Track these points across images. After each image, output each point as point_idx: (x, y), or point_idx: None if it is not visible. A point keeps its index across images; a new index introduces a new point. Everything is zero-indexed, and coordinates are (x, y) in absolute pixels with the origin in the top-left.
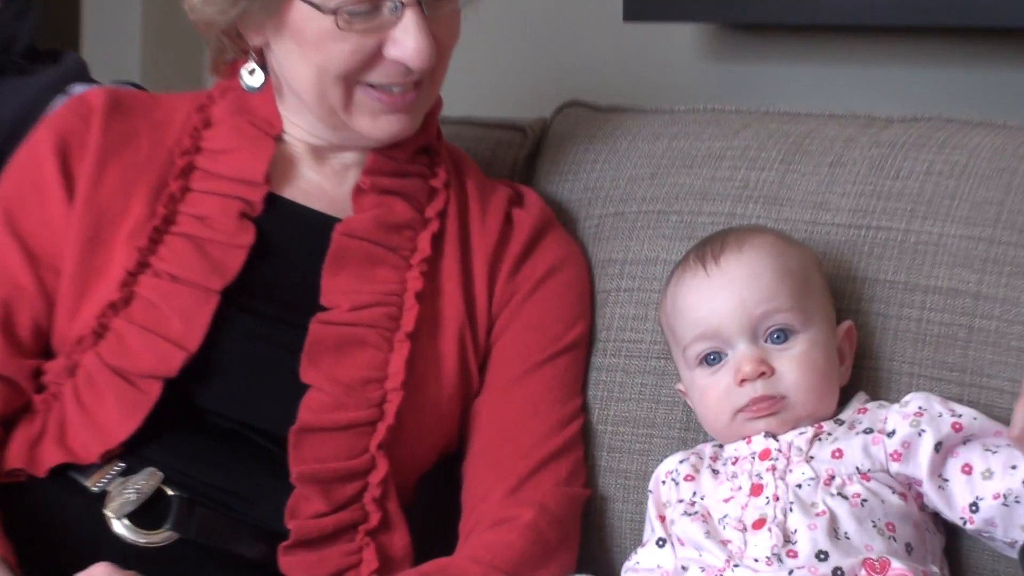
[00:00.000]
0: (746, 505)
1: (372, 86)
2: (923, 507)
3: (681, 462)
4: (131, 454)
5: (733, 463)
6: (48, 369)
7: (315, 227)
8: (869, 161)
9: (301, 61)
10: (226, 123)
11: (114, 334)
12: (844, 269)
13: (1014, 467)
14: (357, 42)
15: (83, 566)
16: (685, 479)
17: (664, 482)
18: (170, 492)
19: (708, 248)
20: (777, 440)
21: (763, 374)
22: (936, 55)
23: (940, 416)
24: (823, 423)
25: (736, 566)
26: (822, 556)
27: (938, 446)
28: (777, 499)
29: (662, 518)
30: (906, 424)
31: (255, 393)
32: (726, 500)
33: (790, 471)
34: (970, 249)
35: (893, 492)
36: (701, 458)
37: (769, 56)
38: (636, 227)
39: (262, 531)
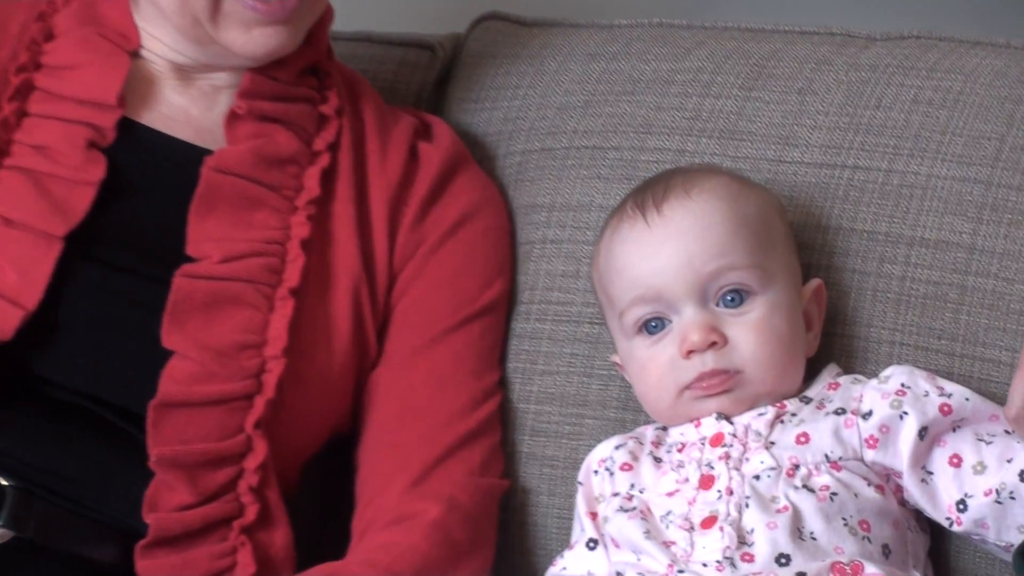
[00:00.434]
0: (694, 500)
1: None
2: (904, 502)
3: (617, 448)
4: None
5: (679, 450)
6: None
7: (180, 160)
8: (846, 88)
9: None
10: (72, 35)
11: None
12: (813, 217)
13: (1010, 460)
14: None
15: None
16: (622, 468)
17: (596, 472)
18: (2, 482)
19: (649, 193)
20: (732, 423)
21: (714, 344)
22: None
23: (926, 395)
24: (786, 402)
25: (681, 572)
26: (783, 560)
27: (922, 432)
28: (731, 493)
29: (593, 515)
30: (885, 404)
31: (106, 361)
32: (670, 494)
33: (747, 460)
34: (964, 193)
35: (868, 484)
36: (641, 443)
37: None
38: (566, 166)
39: (114, 528)
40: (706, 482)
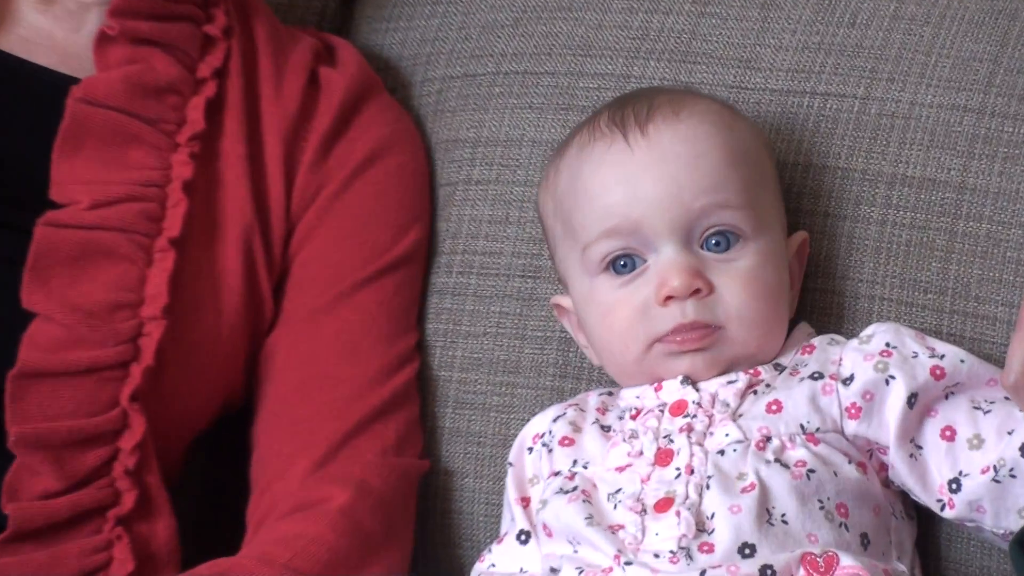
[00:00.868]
0: (648, 477)
1: None
2: (888, 482)
3: (556, 420)
4: None
5: (633, 416)
6: None
7: (41, 90)
8: (815, 1)
9: None
10: None
11: None
12: (779, 152)
13: (1011, 431)
14: None
15: None
16: (561, 443)
17: (531, 449)
18: None
19: (630, 110)
20: (698, 390)
21: (697, 292)
22: None
23: (915, 357)
24: (760, 368)
25: (628, 564)
26: (747, 551)
27: (912, 399)
28: (691, 472)
29: (524, 501)
30: (868, 367)
31: None
32: (620, 469)
33: (711, 434)
34: (952, 123)
35: (849, 461)
36: (584, 411)
37: None
38: (493, 95)
39: None
40: (663, 457)
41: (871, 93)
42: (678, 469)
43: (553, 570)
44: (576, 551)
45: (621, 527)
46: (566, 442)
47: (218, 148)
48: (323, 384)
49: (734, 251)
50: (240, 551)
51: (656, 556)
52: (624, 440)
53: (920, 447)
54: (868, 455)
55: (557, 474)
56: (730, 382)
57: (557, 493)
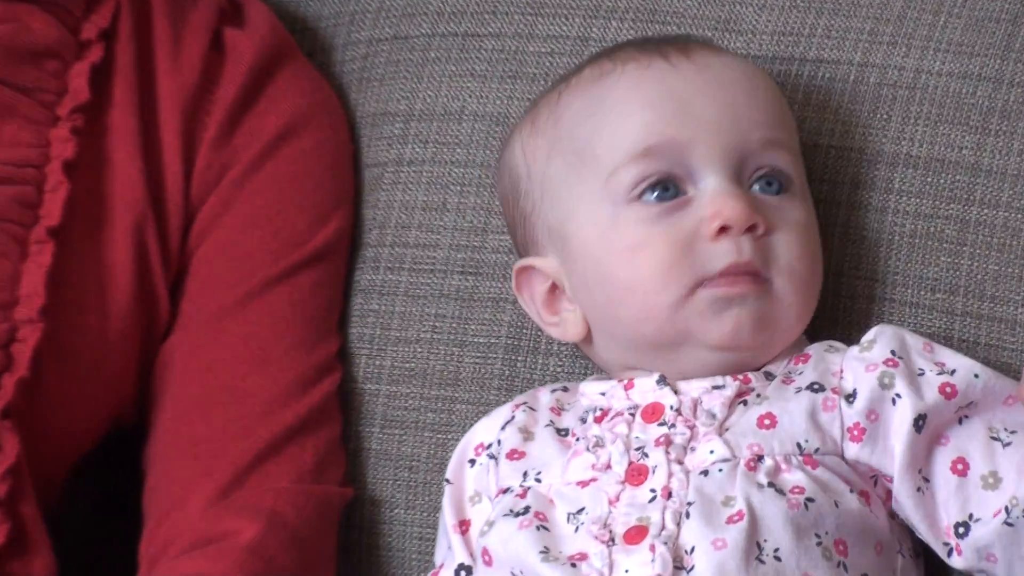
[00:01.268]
0: (617, 498)
1: None
2: (893, 513)
3: (505, 427)
4: None
5: (598, 420)
6: None
7: None
8: None
9: None
10: None
11: None
12: None
13: None
14: None
15: None
16: (509, 457)
17: (473, 462)
18: None
19: (656, 44)
20: (677, 393)
21: (753, 228)
22: None
23: (921, 374)
24: (750, 375)
25: None
26: None
27: (919, 421)
28: (668, 495)
29: (464, 526)
30: (871, 379)
31: None
32: (583, 484)
33: (692, 450)
34: (964, 95)
35: (851, 490)
36: (535, 410)
37: None
38: (428, 60)
39: None
40: (635, 475)
41: (869, 59)
42: (653, 491)
43: None
44: None
45: (583, 557)
46: (514, 456)
47: (105, 122)
48: (228, 398)
49: (785, 197)
50: None
51: None
52: (588, 449)
53: (928, 480)
54: (872, 482)
55: (507, 491)
56: (716, 387)
57: (506, 515)
